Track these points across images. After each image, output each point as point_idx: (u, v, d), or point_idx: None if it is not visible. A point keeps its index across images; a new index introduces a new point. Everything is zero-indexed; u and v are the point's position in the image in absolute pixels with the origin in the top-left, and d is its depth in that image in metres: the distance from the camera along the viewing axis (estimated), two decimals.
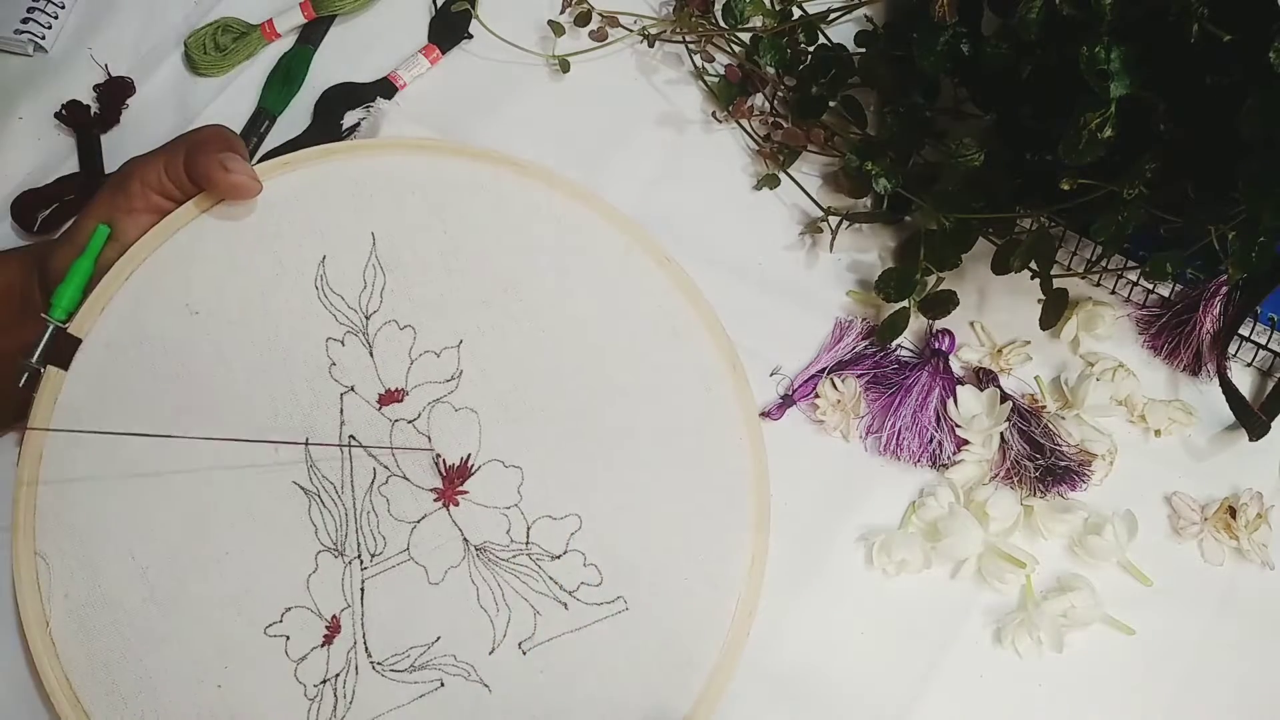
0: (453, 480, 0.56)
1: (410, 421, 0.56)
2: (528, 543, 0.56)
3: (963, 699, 0.58)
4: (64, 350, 0.54)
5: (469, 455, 0.56)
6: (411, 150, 0.60)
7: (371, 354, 0.57)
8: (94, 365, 0.55)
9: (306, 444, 0.55)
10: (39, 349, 0.53)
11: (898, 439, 0.61)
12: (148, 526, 0.54)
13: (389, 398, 0.57)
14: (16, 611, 0.53)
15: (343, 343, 0.57)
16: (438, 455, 0.56)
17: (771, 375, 0.63)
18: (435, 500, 0.56)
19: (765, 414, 0.62)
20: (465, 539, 0.55)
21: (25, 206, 0.66)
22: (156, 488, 0.54)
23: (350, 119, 0.70)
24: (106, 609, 0.53)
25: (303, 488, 0.55)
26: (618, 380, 0.58)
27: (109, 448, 0.54)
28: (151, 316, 0.56)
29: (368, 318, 0.57)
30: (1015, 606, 0.59)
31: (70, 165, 0.68)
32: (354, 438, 0.56)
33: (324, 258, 0.58)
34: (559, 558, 0.56)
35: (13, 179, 0.68)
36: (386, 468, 0.56)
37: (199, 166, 0.54)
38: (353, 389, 0.56)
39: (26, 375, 0.54)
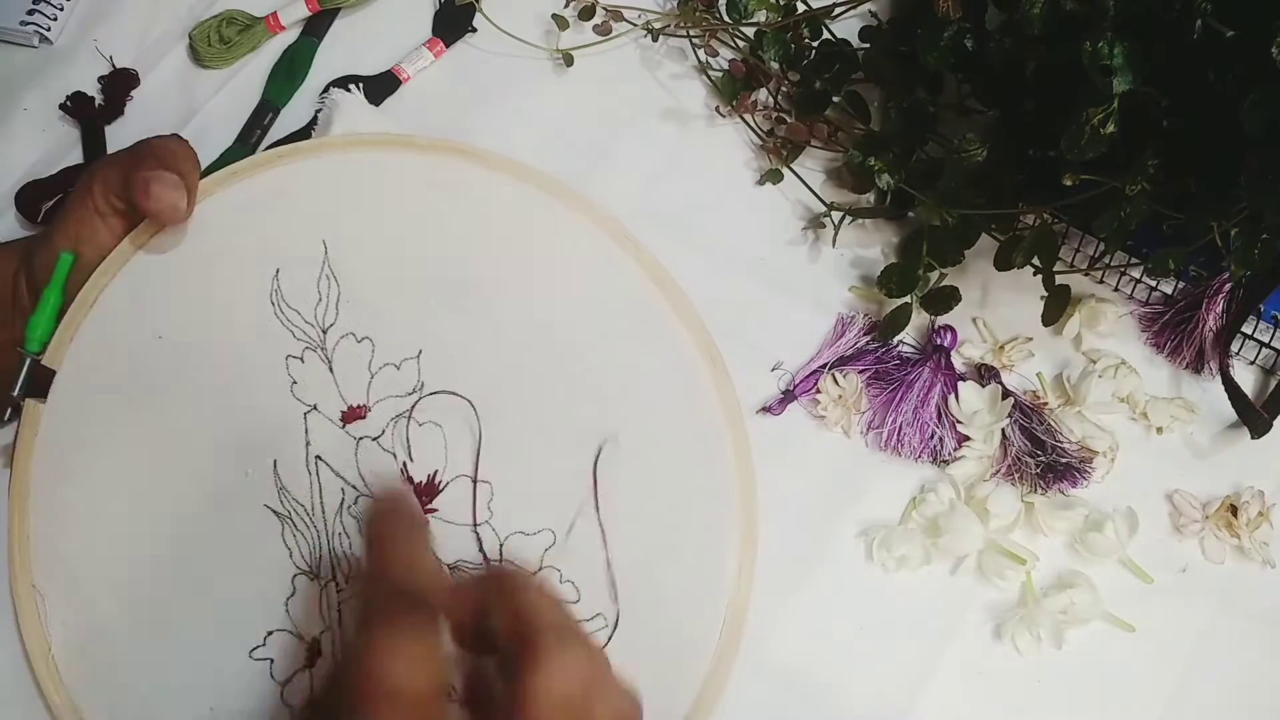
0: (420, 498, 0.54)
1: (375, 439, 0.55)
2: (501, 560, 0.54)
3: (962, 696, 0.58)
4: (42, 382, 0.54)
5: (436, 472, 0.55)
6: (359, 147, 0.58)
7: (331, 369, 0.55)
8: (69, 396, 0.54)
9: (275, 465, 0.55)
10: (19, 383, 0.53)
11: (899, 435, 0.61)
12: (133, 555, 0.54)
13: (352, 415, 0.55)
14: (20, 639, 0.53)
15: (302, 359, 0.55)
16: (403, 473, 0.55)
17: (773, 370, 0.63)
18: None
19: (766, 409, 0.62)
20: (437, 559, 0.53)
21: (29, 198, 0.66)
22: (138, 516, 0.54)
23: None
24: (101, 636, 0.53)
25: (274, 511, 0.54)
26: (587, 383, 0.56)
27: (92, 479, 0.54)
28: (118, 343, 0.55)
29: (324, 331, 0.56)
30: (1015, 603, 0.59)
31: (75, 157, 0.69)
32: (320, 458, 0.54)
33: (278, 271, 0.56)
34: (534, 575, 0.54)
35: (17, 170, 0.68)
36: (354, 487, 0.54)
37: (129, 185, 0.53)
38: (315, 408, 0.55)
39: (9, 410, 0.54)
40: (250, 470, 0.54)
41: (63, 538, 0.54)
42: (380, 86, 0.70)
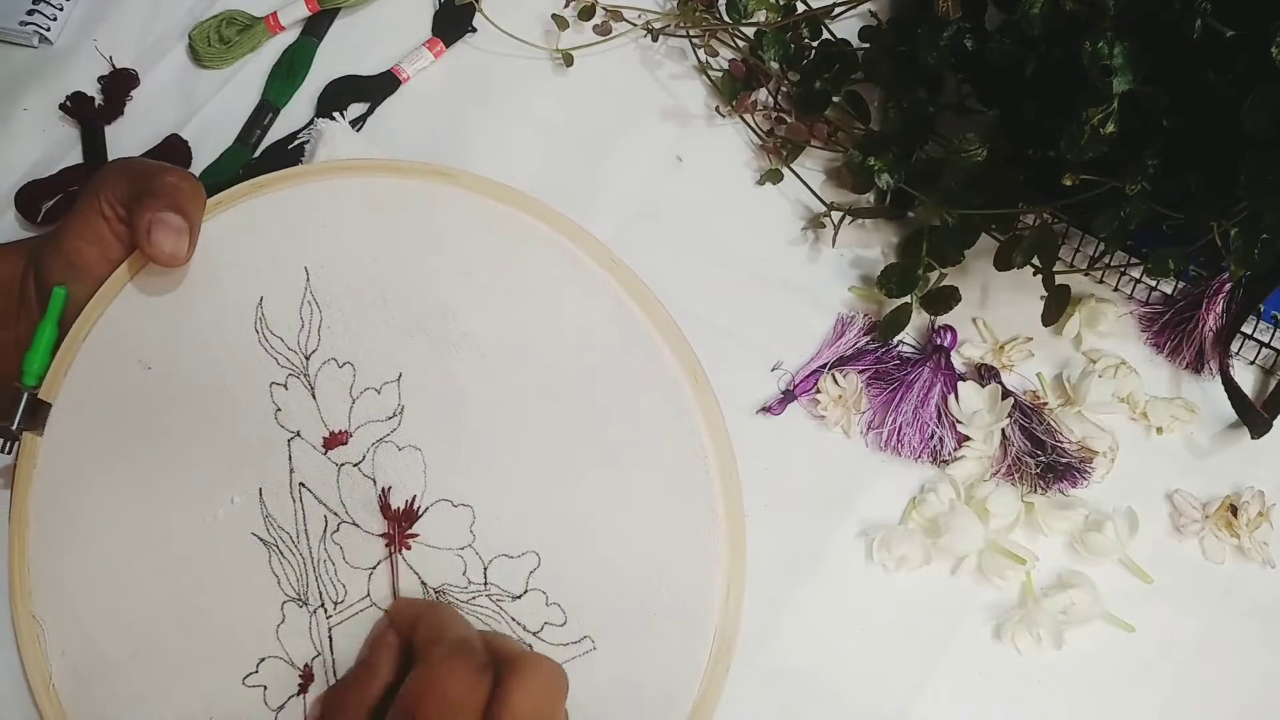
0: (400, 524, 0.54)
1: (356, 464, 0.55)
2: (486, 584, 0.54)
3: (962, 696, 0.58)
4: (39, 415, 0.55)
5: (415, 496, 0.54)
6: (338, 173, 0.58)
7: (314, 395, 0.55)
8: (64, 429, 0.55)
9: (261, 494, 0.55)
10: (17, 417, 0.54)
11: (899, 435, 0.61)
12: (127, 584, 0.54)
13: (334, 440, 0.55)
14: (22, 668, 0.54)
15: (285, 386, 0.55)
16: (381, 499, 0.54)
17: (773, 370, 0.63)
18: (387, 545, 0.54)
19: (766, 409, 0.62)
20: (423, 582, 0.54)
21: (29, 198, 0.67)
22: (132, 545, 0.54)
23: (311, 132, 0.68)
24: (99, 665, 0.53)
25: (261, 539, 0.54)
26: (566, 403, 0.55)
27: (88, 509, 0.54)
28: (109, 376, 0.55)
29: (307, 358, 0.56)
30: (1015, 603, 0.59)
31: (74, 157, 0.69)
32: (304, 485, 0.54)
33: (261, 299, 0.56)
34: (520, 598, 0.54)
35: (17, 170, 0.68)
36: (336, 514, 0.54)
37: (133, 220, 0.53)
38: (299, 434, 0.55)
39: (8, 442, 0.55)
40: (236, 498, 0.54)
41: (60, 568, 0.54)
42: (380, 86, 0.70)
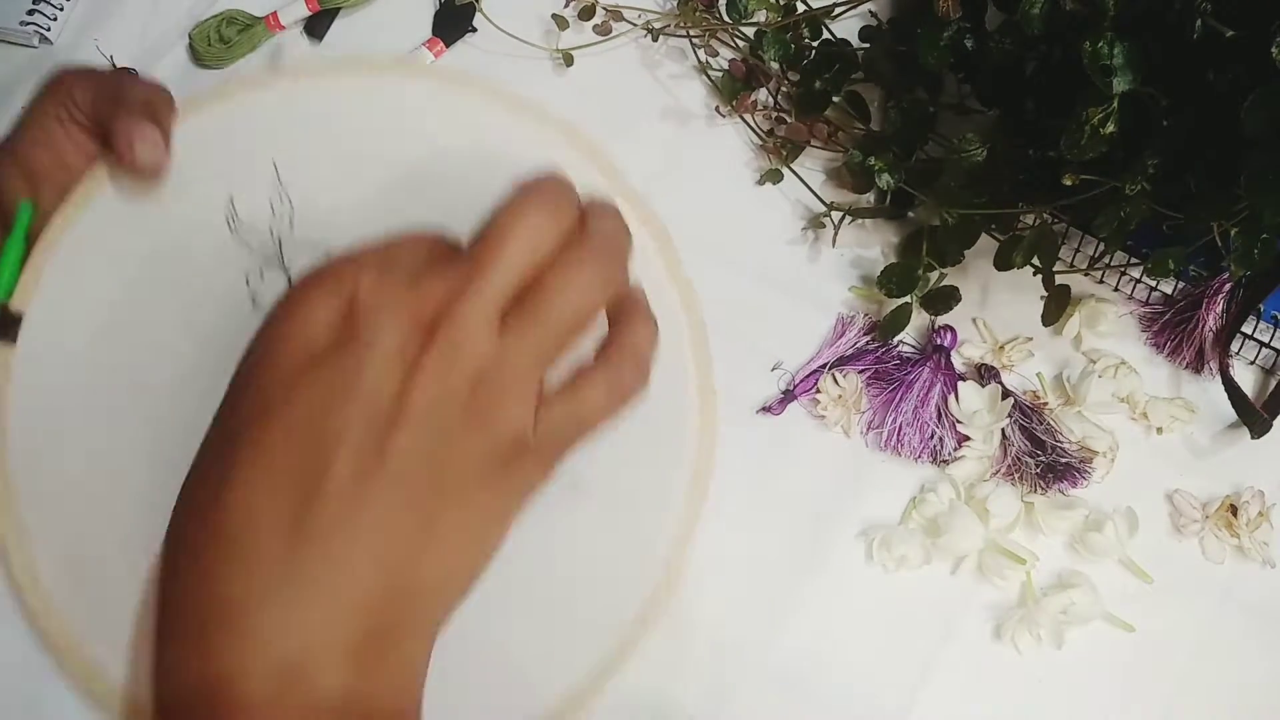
0: None
1: None
2: None
3: (962, 695, 0.58)
4: (10, 327, 0.54)
5: None
6: (310, 75, 0.58)
7: (290, 282, 0.54)
8: (39, 339, 0.54)
9: None
10: None
11: (899, 435, 0.61)
12: (111, 483, 0.53)
13: None
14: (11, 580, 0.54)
15: (261, 276, 0.55)
16: None
17: (773, 370, 0.63)
18: None
19: (766, 409, 0.62)
20: None
21: None
22: (115, 444, 0.54)
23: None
24: (87, 564, 0.53)
25: None
26: None
27: (67, 419, 0.54)
28: (85, 283, 0.55)
29: (281, 244, 0.55)
30: (1015, 603, 0.59)
31: None
32: None
33: (232, 197, 0.55)
34: None
35: None
36: None
37: (110, 132, 0.52)
38: None
39: None
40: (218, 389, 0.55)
41: (42, 479, 0.54)
42: None
